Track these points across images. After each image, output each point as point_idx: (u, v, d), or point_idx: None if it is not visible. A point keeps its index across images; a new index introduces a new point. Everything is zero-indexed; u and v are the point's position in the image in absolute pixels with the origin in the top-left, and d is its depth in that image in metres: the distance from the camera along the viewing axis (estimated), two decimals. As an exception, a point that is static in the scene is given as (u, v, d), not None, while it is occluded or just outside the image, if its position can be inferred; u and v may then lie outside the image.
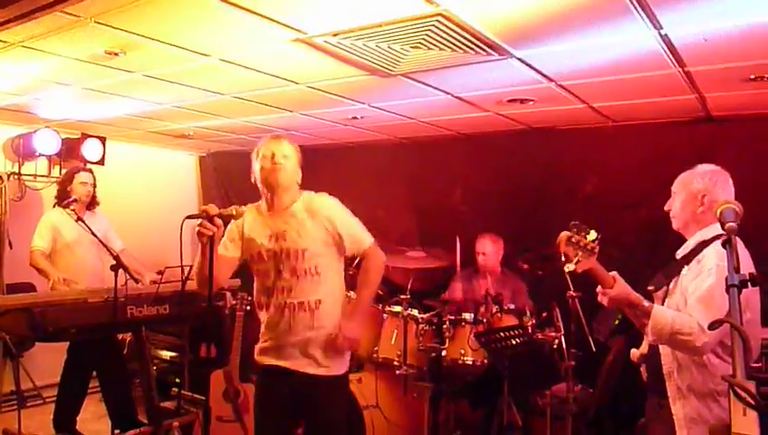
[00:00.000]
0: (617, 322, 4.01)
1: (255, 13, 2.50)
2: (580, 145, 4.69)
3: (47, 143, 5.09)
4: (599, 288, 2.14)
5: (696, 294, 2.09)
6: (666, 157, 4.27)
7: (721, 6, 2.29)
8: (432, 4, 2.36)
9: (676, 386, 2.18)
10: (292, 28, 2.69)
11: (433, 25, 2.56)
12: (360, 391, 3.85)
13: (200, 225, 2.27)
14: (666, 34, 2.60)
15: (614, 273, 2.12)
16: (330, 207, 2.67)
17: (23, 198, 5.30)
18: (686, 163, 3.64)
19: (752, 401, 1.09)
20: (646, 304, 2.11)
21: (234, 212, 2.34)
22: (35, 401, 5.09)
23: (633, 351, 2.47)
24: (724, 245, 1.40)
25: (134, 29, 2.73)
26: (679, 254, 2.32)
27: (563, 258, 2.14)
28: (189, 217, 2.22)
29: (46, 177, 5.49)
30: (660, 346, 2.27)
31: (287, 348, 2.57)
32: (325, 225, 2.60)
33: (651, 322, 2.07)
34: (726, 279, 1.29)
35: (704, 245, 2.16)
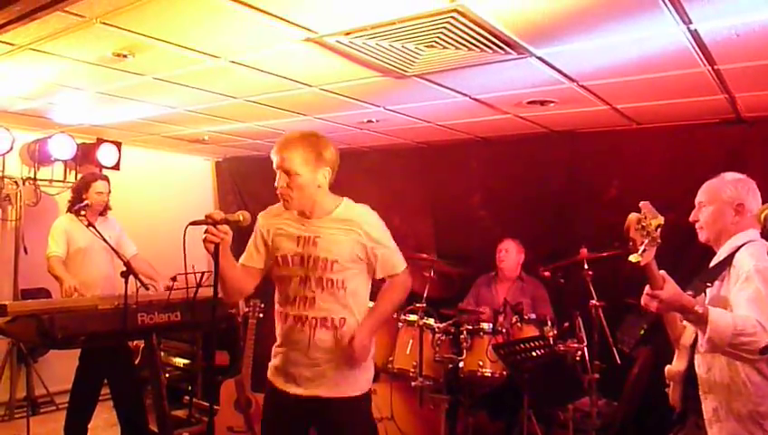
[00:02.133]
0: (642, 332, 3.85)
1: (264, 11, 2.42)
2: (603, 148, 4.53)
3: (62, 148, 5.08)
4: (647, 289, 1.90)
5: (743, 296, 1.94)
6: (693, 160, 4.11)
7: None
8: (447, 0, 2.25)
9: (713, 407, 2.03)
10: (303, 27, 2.60)
11: (448, 22, 2.45)
12: (375, 402, 3.70)
13: (206, 231, 2.17)
14: (695, 30, 2.46)
15: (663, 272, 1.90)
16: (370, 223, 2.44)
17: (38, 204, 5.29)
18: (715, 167, 3.47)
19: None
20: (699, 308, 1.88)
21: (240, 218, 2.22)
22: (48, 407, 5.06)
23: (669, 368, 2.31)
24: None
25: (140, 30, 2.66)
26: (713, 263, 2.18)
27: (630, 245, 1.89)
28: (193, 223, 2.12)
29: (62, 182, 5.48)
30: (697, 362, 2.12)
31: (300, 368, 2.36)
32: (362, 240, 2.38)
33: (711, 326, 1.85)
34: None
35: (735, 251, 2.02)
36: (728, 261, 2.07)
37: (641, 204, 1.90)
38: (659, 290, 1.87)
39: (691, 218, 2.28)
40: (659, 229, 1.86)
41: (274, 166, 2.36)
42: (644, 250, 1.83)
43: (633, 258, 1.84)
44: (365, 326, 2.38)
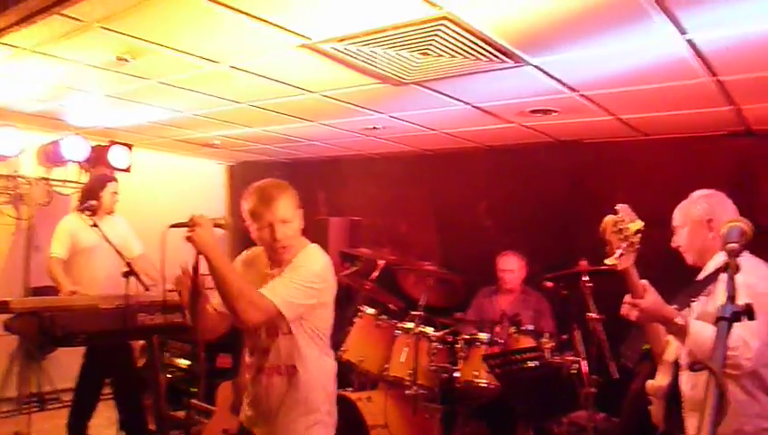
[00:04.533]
0: (646, 346, 3.77)
1: (258, 18, 2.45)
2: (609, 159, 4.48)
3: (75, 149, 5.17)
4: (627, 298, 1.87)
5: None
6: (701, 173, 4.02)
7: (749, 9, 2.11)
8: (435, 7, 2.25)
9: (697, 426, 1.97)
10: (297, 34, 2.62)
11: (439, 30, 2.45)
12: (369, 409, 3.71)
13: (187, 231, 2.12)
14: (691, 39, 2.42)
15: (645, 282, 1.87)
16: (297, 263, 2.23)
17: (50, 203, 5.39)
18: (724, 180, 3.42)
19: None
20: (679, 320, 1.85)
21: (223, 222, 2.23)
22: (54, 404, 5.14)
23: (650, 382, 2.26)
24: (723, 269, 1.23)
25: (139, 34, 2.71)
26: (700, 277, 2.14)
27: (606, 248, 1.87)
28: (174, 225, 2.13)
29: (75, 182, 5.58)
30: (683, 379, 2.07)
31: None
32: None
33: (690, 338, 1.82)
34: (719, 309, 1.12)
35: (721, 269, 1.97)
36: (715, 276, 2.03)
37: (618, 206, 1.86)
38: (640, 299, 1.82)
39: (673, 244, 2.27)
40: (639, 234, 1.82)
41: (267, 220, 2.20)
42: (621, 254, 1.79)
43: (609, 261, 1.81)
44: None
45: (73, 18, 2.51)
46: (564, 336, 3.71)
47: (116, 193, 4.28)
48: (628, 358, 3.90)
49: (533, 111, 3.75)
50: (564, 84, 3.14)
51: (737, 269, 1.22)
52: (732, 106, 3.35)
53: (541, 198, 4.75)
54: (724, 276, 1.94)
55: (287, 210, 2.23)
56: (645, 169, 4.33)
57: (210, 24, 2.57)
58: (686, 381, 2.06)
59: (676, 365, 2.11)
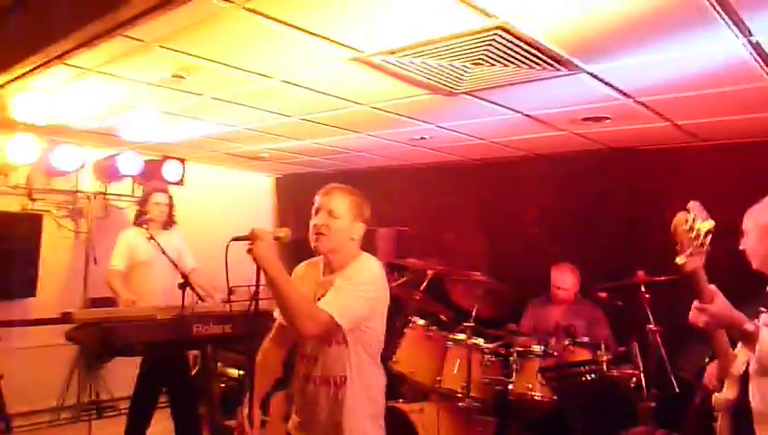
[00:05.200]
0: (707, 359, 3.64)
1: (310, 32, 2.48)
2: (664, 166, 4.35)
3: (130, 164, 5.33)
4: (695, 304, 1.79)
5: None
6: (763, 179, 3.87)
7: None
8: (490, 18, 2.24)
9: None
10: (349, 47, 2.64)
11: (493, 39, 2.43)
12: (422, 421, 3.68)
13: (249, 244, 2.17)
14: (757, 42, 2.34)
15: (713, 286, 1.78)
16: (352, 272, 2.28)
17: (107, 217, 5.58)
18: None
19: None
20: (750, 326, 1.77)
21: (282, 235, 2.27)
22: (111, 412, 5.28)
23: (716, 396, 2.18)
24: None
25: (195, 52, 2.78)
26: None
27: (677, 246, 1.78)
28: (236, 238, 2.17)
29: (130, 196, 5.76)
30: (751, 392, 1.97)
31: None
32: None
33: (761, 345, 1.75)
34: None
35: None
36: None
37: (690, 204, 1.78)
38: (708, 304, 1.75)
39: (741, 247, 2.18)
40: (709, 235, 1.74)
41: (316, 205, 2.34)
42: (690, 253, 1.72)
43: (679, 260, 1.73)
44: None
45: (135, 39, 2.60)
46: (622, 349, 3.61)
47: (160, 203, 4.38)
48: (686, 370, 3.77)
49: (585, 119, 3.69)
50: (619, 91, 3.08)
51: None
52: (796, 109, 3.22)
53: (593, 207, 4.65)
54: None
55: (339, 205, 2.30)
56: (702, 176, 4.18)
57: (264, 40, 2.61)
58: (755, 394, 1.97)
59: (744, 378, 2.02)
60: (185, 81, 3.21)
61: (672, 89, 3.00)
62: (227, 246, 2.15)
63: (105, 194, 5.63)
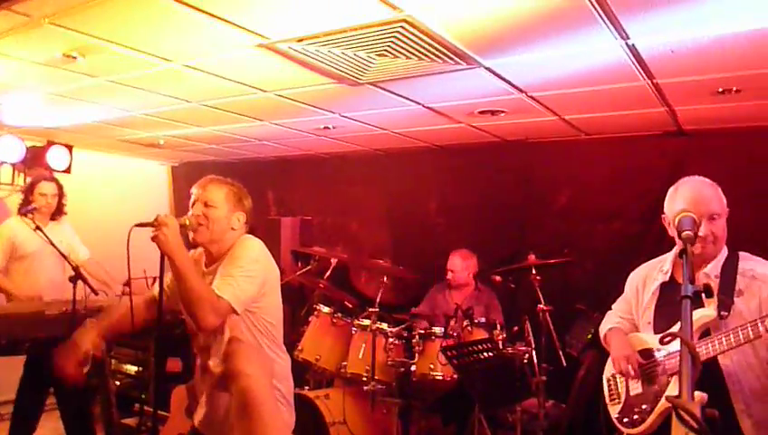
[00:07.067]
0: (589, 336, 3.97)
1: (216, 16, 2.43)
2: (553, 158, 4.67)
3: (10, 150, 4.95)
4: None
5: None
6: (639, 170, 4.27)
7: (687, 17, 2.27)
8: (396, 10, 2.31)
9: (754, 421, 1.92)
10: (256, 33, 2.62)
11: (397, 32, 2.51)
12: (327, 407, 3.74)
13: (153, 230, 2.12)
14: (633, 45, 2.57)
15: None
16: (234, 254, 2.27)
17: (-17, 206, 5.15)
18: (660, 177, 3.62)
19: (694, 425, 1.00)
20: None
21: (186, 222, 2.22)
22: (-8, 417, 4.90)
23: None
24: (680, 254, 1.33)
25: (90, 31, 2.64)
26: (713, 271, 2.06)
27: None
28: (139, 225, 2.11)
29: (10, 185, 5.33)
30: (731, 381, 1.94)
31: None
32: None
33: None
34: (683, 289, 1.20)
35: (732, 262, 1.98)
36: (734, 273, 1.96)
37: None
38: None
39: (703, 233, 1.95)
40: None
41: (192, 199, 2.33)
42: None
43: None
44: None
45: (21, 13, 2.43)
46: (515, 328, 3.85)
47: (46, 194, 4.10)
48: (573, 347, 4.10)
49: (482, 112, 3.87)
50: (513, 86, 3.27)
51: (693, 256, 1.31)
52: (666, 108, 3.57)
53: (490, 197, 4.91)
54: (748, 271, 1.93)
55: (215, 195, 2.30)
56: (586, 168, 4.55)
57: (166, 22, 2.53)
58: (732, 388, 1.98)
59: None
60: (77, 62, 3.03)
61: (560, 85, 3.23)
62: (129, 233, 2.08)
63: (-21, 182, 5.18)
